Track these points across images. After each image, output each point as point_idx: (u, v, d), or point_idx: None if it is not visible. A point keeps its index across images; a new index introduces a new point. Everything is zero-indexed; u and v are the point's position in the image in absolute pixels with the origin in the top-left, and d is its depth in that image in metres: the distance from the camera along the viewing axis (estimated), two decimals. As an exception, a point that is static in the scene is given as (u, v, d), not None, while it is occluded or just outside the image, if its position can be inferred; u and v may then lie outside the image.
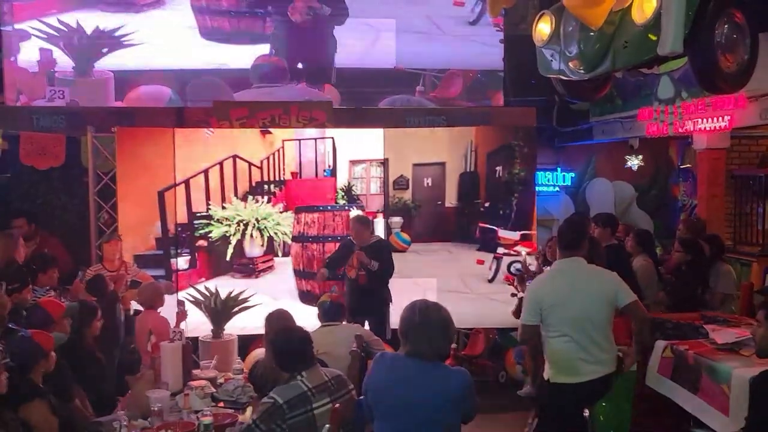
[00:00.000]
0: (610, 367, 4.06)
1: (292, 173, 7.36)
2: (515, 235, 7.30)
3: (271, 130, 7.27)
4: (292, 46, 8.20)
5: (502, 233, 7.30)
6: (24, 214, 7.08)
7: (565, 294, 4.06)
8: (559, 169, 9.56)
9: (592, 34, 4.70)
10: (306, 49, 8.21)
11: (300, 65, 8.25)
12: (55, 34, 7.91)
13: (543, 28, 5.22)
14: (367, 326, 5.69)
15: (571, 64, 5.02)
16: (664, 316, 5.27)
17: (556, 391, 4.10)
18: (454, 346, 7.27)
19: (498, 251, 7.30)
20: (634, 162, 9.41)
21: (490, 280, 7.29)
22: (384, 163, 7.34)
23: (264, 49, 8.24)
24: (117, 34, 7.99)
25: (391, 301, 6.46)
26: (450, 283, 7.19)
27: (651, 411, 4.85)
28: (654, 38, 4.18)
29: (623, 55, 4.57)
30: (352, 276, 6.27)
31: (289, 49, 8.21)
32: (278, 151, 7.34)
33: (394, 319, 6.01)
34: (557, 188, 9.52)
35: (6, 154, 7.73)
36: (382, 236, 7.24)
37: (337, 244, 6.71)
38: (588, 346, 4.00)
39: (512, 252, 7.22)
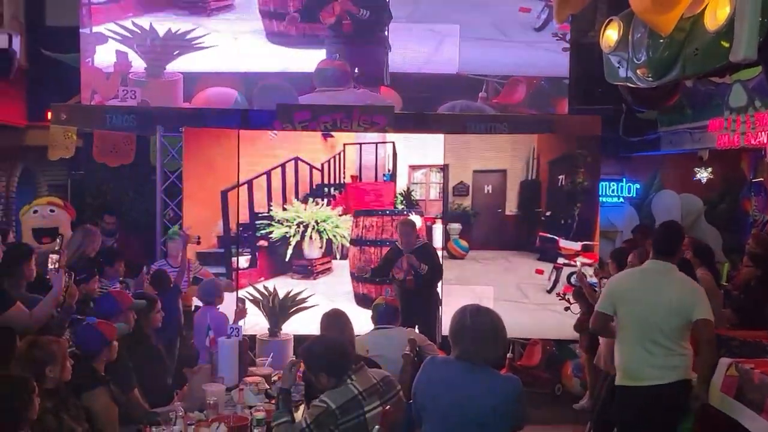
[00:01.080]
0: (681, 374, 3.95)
1: (352, 177, 7.42)
2: (576, 246, 7.17)
3: (332, 133, 7.34)
4: (344, 49, 8.24)
5: (563, 243, 7.18)
6: (116, 213, 7.39)
7: (639, 292, 4.03)
8: (624, 179, 9.35)
9: (661, 40, 4.59)
10: (357, 52, 8.23)
11: (356, 70, 8.29)
12: (130, 36, 8.17)
13: (611, 34, 5.14)
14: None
15: (639, 71, 4.91)
16: (730, 333, 5.08)
17: (620, 396, 4.04)
18: (510, 355, 7.21)
19: (558, 261, 7.19)
20: (703, 174, 9.12)
21: (549, 291, 7.18)
22: (444, 168, 7.32)
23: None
24: (188, 37, 8.20)
25: (440, 305, 6.47)
26: (507, 292, 7.11)
27: (713, 430, 4.69)
28: (726, 45, 4.05)
29: (694, 62, 4.44)
30: (399, 278, 6.39)
31: (341, 52, 8.26)
32: (339, 154, 7.41)
33: (446, 326, 6.01)
34: (622, 199, 9.31)
35: (80, 152, 8.02)
36: (440, 242, 7.23)
37: (395, 249, 6.73)
38: (653, 350, 3.92)
39: (573, 262, 7.09)
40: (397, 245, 6.52)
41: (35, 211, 6.93)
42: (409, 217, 6.90)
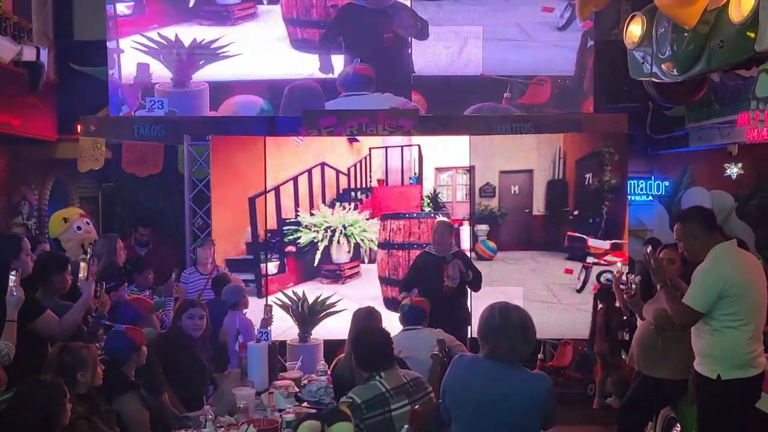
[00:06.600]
0: None
1: (379, 180, 7.43)
2: (605, 245, 7.10)
3: (358, 138, 7.37)
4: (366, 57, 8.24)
5: (592, 242, 7.12)
6: (150, 224, 7.51)
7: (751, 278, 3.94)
8: (653, 177, 9.23)
9: (685, 34, 4.55)
10: (381, 59, 8.21)
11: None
12: (156, 47, 8.26)
13: (634, 29, 5.11)
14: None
15: (664, 66, 4.87)
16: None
17: (730, 390, 3.85)
18: (541, 356, 7.17)
19: (587, 260, 7.12)
20: (733, 170, 8.97)
21: (579, 290, 7.12)
22: (470, 170, 7.30)
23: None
24: (213, 46, 8.28)
25: (470, 323, 6.33)
26: (537, 293, 7.07)
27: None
28: (752, 36, 4.00)
29: (719, 54, 4.39)
30: (452, 287, 5.90)
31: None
32: (365, 158, 7.43)
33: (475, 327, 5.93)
34: (651, 197, 9.19)
35: (109, 163, 8.13)
36: (468, 244, 7.21)
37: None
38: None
39: (602, 261, 7.03)
40: (428, 252, 6.25)
41: (79, 228, 6.96)
42: (446, 219, 6.65)
